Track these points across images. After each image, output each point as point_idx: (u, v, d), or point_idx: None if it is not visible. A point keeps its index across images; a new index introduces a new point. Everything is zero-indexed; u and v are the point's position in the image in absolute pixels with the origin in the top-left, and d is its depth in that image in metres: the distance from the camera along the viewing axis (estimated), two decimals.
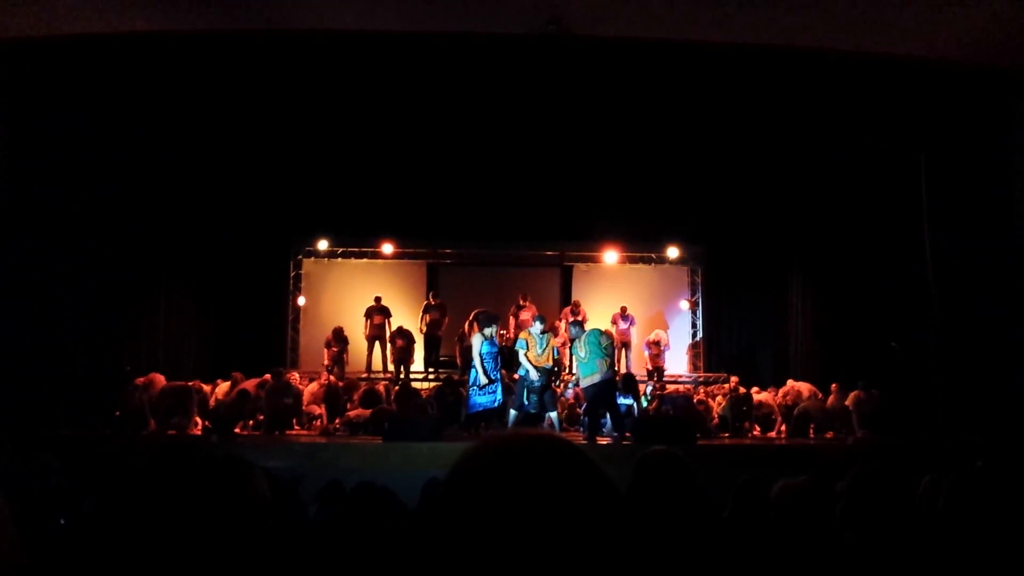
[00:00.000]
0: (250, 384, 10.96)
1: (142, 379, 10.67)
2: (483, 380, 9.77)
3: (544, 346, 9.87)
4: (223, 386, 11.47)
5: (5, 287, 9.36)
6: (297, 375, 12.33)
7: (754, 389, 12.27)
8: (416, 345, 13.73)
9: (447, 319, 13.74)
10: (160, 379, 10.79)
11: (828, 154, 12.01)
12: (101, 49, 9.15)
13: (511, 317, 13.65)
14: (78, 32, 8.80)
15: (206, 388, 11.51)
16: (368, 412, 10.97)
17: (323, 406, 11.55)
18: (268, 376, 11.11)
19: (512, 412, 9.87)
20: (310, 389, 11.89)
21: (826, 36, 9.07)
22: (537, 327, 10.04)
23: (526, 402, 9.91)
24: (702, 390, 12.80)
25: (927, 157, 11.13)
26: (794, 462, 4.78)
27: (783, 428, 11.72)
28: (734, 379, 12.54)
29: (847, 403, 11.35)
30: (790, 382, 12.36)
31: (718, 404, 12.05)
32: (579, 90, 10.36)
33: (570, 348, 10.87)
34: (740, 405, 11.77)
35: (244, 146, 12.03)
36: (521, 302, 13.77)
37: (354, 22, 9.13)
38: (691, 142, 12.00)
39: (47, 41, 8.88)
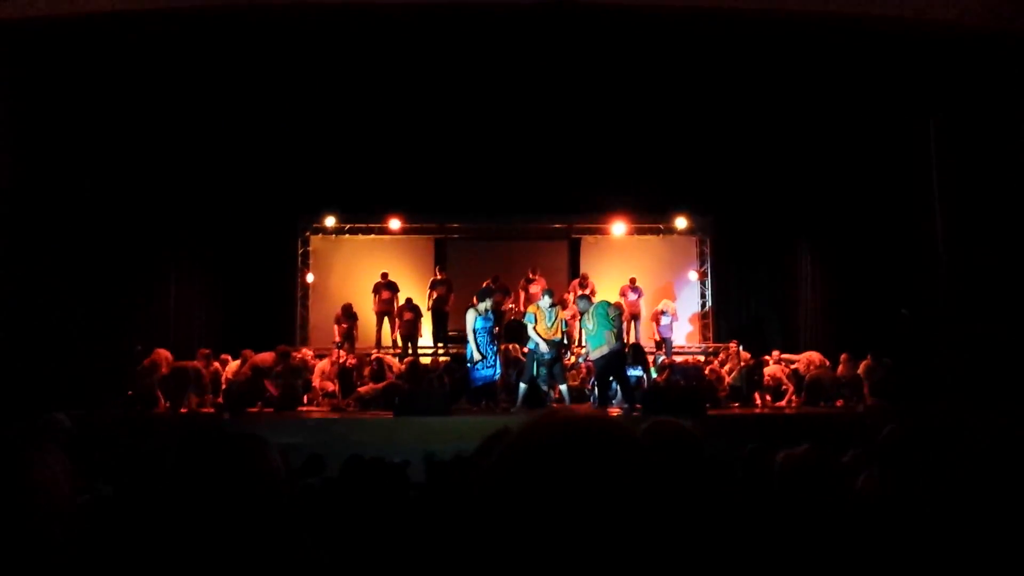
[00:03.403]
0: (260, 360, 11.01)
1: (148, 359, 10.76)
2: (476, 356, 9.80)
3: (553, 319, 9.92)
4: (233, 364, 11.54)
5: (13, 265, 9.41)
6: (310, 352, 12.40)
7: (765, 358, 12.28)
8: (424, 320, 13.77)
9: (453, 294, 13.77)
10: (167, 356, 10.88)
11: (837, 121, 11.91)
12: (107, 28, 9.11)
13: (520, 291, 13.70)
14: (81, 12, 8.77)
15: (215, 364, 11.60)
16: (379, 386, 11.03)
17: (336, 382, 11.62)
18: (273, 354, 11.15)
19: (522, 386, 9.92)
20: (321, 366, 11.95)
21: (835, 1, 8.95)
22: (546, 300, 10.09)
23: (536, 375, 9.98)
24: (715, 360, 12.80)
25: (937, 123, 11.03)
26: (805, 431, 4.79)
27: (794, 398, 11.74)
28: (733, 343, 12.55)
29: (859, 372, 11.34)
30: (806, 355, 12.31)
31: (728, 373, 12.06)
32: (585, 60, 10.26)
33: (579, 321, 10.91)
34: (752, 375, 11.79)
35: (250, 123, 12.00)
36: (531, 276, 13.79)
37: None
38: (699, 111, 11.89)
39: (56, 20, 8.86)
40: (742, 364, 11.95)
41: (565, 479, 0.85)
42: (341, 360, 11.90)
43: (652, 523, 0.85)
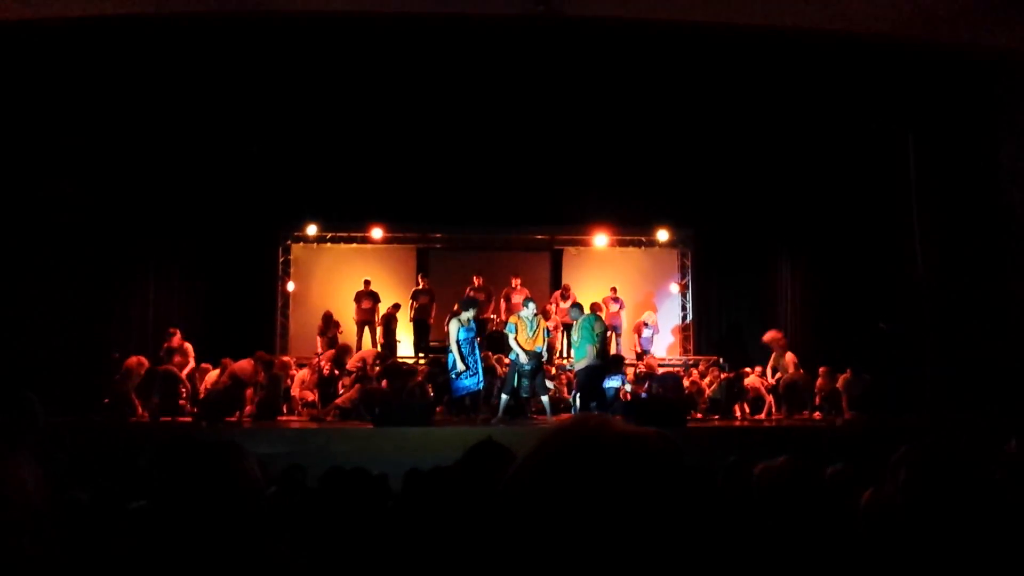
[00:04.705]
0: (239, 368, 10.92)
1: (123, 368, 10.69)
2: (460, 367, 9.78)
3: (534, 329, 9.90)
4: (212, 373, 11.44)
5: None
6: (292, 359, 12.34)
7: (744, 370, 12.31)
8: (405, 330, 13.74)
9: (435, 304, 13.74)
10: (141, 362, 10.80)
11: (817, 135, 12.02)
12: (90, 32, 9.05)
13: (503, 301, 13.70)
14: (66, 15, 8.72)
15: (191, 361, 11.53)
16: (354, 393, 10.91)
17: (316, 392, 11.55)
18: (251, 360, 11.07)
19: (504, 396, 9.89)
20: (301, 375, 11.88)
21: (815, 16, 9.04)
22: (527, 310, 10.08)
23: (517, 386, 9.96)
24: (695, 372, 12.84)
25: (915, 138, 11.15)
26: (784, 443, 4.81)
27: (774, 410, 11.78)
28: (714, 361, 12.60)
29: (838, 385, 11.41)
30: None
31: (708, 385, 12.09)
32: (568, 72, 10.31)
33: (566, 330, 10.93)
34: (732, 387, 11.82)
35: (232, 131, 11.95)
36: (513, 285, 13.80)
37: (342, 4, 9.05)
38: (681, 124, 11.97)
39: (41, 23, 8.80)
40: (722, 376, 11.98)
41: (594, 486, 0.86)
42: (322, 369, 11.84)
43: (686, 534, 0.86)
